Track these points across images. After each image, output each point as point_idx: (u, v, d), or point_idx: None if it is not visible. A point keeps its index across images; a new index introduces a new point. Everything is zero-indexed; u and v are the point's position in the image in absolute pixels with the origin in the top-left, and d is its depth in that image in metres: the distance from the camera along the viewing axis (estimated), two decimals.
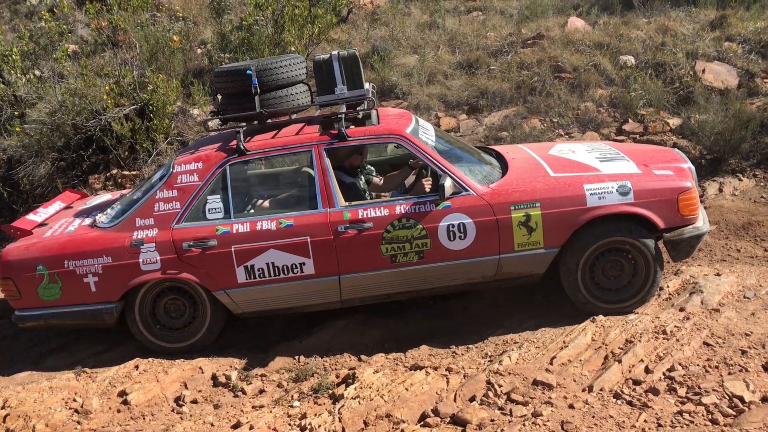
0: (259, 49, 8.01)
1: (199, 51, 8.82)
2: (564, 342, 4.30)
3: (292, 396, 4.14)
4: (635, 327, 4.34)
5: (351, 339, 4.82)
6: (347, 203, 4.55)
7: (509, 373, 4.00)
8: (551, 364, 4.10)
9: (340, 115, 4.64)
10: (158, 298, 4.73)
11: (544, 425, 3.52)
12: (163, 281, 4.63)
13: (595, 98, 7.48)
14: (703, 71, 7.49)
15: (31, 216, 5.13)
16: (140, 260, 4.53)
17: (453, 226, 4.45)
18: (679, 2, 9.13)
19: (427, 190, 4.69)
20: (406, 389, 3.93)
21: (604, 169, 4.68)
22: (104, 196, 5.69)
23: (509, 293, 5.11)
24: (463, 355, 4.43)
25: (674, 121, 7.19)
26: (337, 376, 4.26)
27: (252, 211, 4.74)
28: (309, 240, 4.46)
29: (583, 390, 3.85)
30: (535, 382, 3.90)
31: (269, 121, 4.84)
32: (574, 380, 3.95)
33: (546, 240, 4.46)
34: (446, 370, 4.13)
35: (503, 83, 7.75)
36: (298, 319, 5.15)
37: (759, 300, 4.62)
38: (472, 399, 3.83)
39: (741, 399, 3.63)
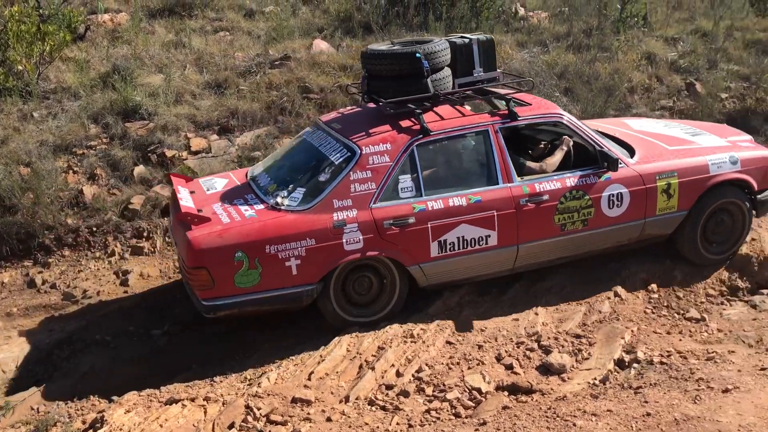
0: None
1: None
2: (321, 356, 4.39)
3: None
4: (386, 333, 4.56)
5: (100, 380, 4.49)
6: (521, 178, 4.89)
7: (268, 395, 3.99)
8: (309, 379, 4.16)
9: (509, 96, 5.08)
10: (349, 276, 4.77)
11: None
12: (361, 260, 4.69)
13: None
14: None
15: (185, 203, 4.68)
16: (344, 240, 4.58)
17: (613, 195, 5.01)
18: (413, 27, 9.83)
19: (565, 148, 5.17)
20: (161, 426, 3.74)
21: (701, 143, 5.44)
22: (215, 181, 5.33)
23: (276, 319, 5.02)
24: (221, 382, 4.31)
25: None
26: (84, 422, 3.92)
27: (438, 188, 4.85)
28: (495, 214, 4.77)
29: (341, 401, 3.97)
30: (294, 400, 3.93)
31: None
32: (332, 393, 4.05)
33: (679, 204, 5.18)
34: (204, 399, 4.00)
35: (253, 103, 7.73)
36: (36, 361, 4.67)
37: (490, 296, 5.10)
38: (231, 426, 3.75)
39: (479, 390, 3.99)
